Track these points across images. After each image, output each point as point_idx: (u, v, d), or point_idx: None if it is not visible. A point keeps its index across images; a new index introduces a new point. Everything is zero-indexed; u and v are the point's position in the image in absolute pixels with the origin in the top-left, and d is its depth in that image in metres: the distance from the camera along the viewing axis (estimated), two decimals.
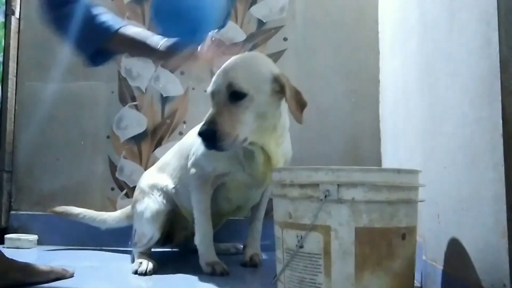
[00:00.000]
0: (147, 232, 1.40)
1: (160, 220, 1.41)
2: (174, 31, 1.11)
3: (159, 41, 1.15)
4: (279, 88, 1.18)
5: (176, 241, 1.57)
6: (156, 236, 1.40)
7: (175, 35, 1.13)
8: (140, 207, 1.44)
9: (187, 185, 1.37)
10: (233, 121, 1.13)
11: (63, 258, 1.54)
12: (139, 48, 1.22)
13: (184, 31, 1.10)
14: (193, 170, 1.33)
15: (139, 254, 1.38)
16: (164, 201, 1.43)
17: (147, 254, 1.39)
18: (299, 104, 1.20)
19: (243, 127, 1.15)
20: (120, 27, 1.17)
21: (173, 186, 1.44)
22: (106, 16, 1.19)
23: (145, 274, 1.28)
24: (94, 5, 1.20)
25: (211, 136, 1.12)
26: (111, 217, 1.66)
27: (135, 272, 1.29)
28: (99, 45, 1.18)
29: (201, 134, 1.13)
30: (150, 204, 1.42)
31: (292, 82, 1.22)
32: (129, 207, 1.63)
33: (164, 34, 1.13)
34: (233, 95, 1.15)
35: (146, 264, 1.30)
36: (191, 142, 1.40)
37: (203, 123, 1.15)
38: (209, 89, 1.20)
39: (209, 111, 1.17)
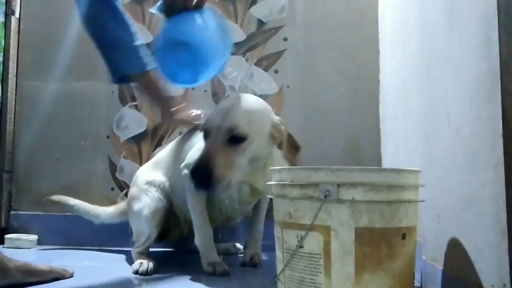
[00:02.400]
0: (145, 230, 1.40)
1: (158, 218, 1.41)
2: (179, 79, 1.22)
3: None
4: (278, 133, 1.17)
5: (170, 238, 1.57)
6: (154, 234, 1.40)
7: (179, 82, 1.26)
8: (137, 205, 1.43)
9: (181, 186, 1.37)
10: (229, 164, 1.10)
11: (63, 258, 1.54)
12: (157, 95, 1.44)
13: (188, 79, 1.21)
14: (185, 171, 1.31)
15: (138, 255, 1.38)
16: (162, 198, 1.42)
17: (146, 254, 1.39)
18: (294, 148, 1.20)
19: (238, 170, 1.13)
20: (152, 68, 1.35)
21: (168, 184, 1.44)
22: (144, 52, 1.36)
23: (146, 274, 1.28)
24: (137, 36, 1.37)
25: (205, 178, 1.08)
26: (105, 212, 1.65)
27: (136, 272, 1.29)
28: (130, 74, 1.35)
29: (195, 174, 1.09)
30: (148, 201, 1.41)
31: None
32: (123, 203, 1.63)
33: (168, 79, 1.25)
34: (233, 138, 1.12)
35: (147, 264, 1.30)
36: (186, 144, 1.41)
37: (197, 161, 1.10)
38: (204, 125, 1.18)
39: (203, 150, 1.12)
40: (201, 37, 1.17)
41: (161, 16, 1.25)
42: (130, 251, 1.55)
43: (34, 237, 1.74)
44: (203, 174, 1.08)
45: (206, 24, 1.19)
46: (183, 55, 1.14)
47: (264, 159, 1.20)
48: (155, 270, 1.30)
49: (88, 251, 1.66)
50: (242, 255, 1.49)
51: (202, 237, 1.32)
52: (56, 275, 1.17)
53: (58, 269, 1.18)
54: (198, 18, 1.17)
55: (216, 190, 1.11)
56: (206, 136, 1.16)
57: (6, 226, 1.81)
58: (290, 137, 1.20)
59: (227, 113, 1.14)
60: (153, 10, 1.26)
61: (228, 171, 1.10)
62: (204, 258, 1.30)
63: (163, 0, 1.20)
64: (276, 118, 1.21)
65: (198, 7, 1.18)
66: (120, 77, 1.36)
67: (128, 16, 1.38)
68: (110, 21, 1.34)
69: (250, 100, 1.21)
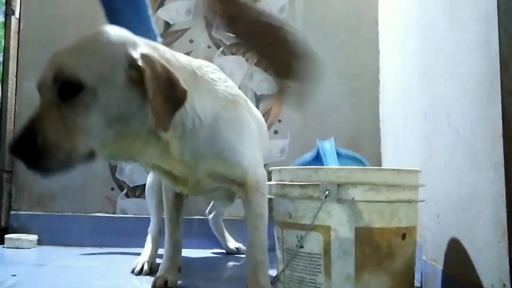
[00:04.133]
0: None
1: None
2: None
3: None
4: (138, 75, 0.79)
5: None
6: None
7: None
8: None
9: None
10: (65, 127, 0.76)
11: (63, 258, 1.54)
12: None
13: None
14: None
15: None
16: None
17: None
18: (170, 101, 0.80)
19: (84, 135, 0.77)
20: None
21: None
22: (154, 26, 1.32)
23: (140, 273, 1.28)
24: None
25: (28, 151, 0.75)
26: None
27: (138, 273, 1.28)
28: None
29: (12, 148, 0.75)
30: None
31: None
32: None
33: None
34: (65, 89, 0.77)
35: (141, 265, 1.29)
36: None
37: (18, 132, 0.77)
38: (36, 82, 0.82)
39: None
40: None
41: None
42: (130, 251, 1.55)
43: (34, 237, 1.74)
44: (25, 144, 0.75)
45: None
46: None
47: (137, 120, 0.82)
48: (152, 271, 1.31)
49: (88, 251, 1.66)
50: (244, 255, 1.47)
51: (169, 245, 1.16)
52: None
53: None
54: None
55: (52, 166, 0.77)
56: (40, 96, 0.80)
57: (6, 226, 1.81)
58: (169, 81, 0.80)
59: (55, 56, 0.80)
60: None
61: (66, 138, 0.76)
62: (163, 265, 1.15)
63: None
64: (137, 50, 0.81)
65: None
66: None
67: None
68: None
69: (93, 34, 0.84)
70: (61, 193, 1.83)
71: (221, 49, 1.84)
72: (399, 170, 0.88)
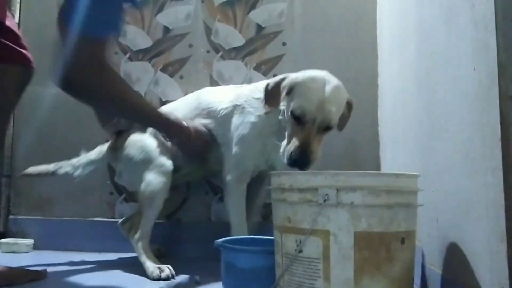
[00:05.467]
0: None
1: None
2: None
3: None
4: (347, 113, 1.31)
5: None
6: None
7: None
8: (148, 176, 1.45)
9: None
10: (318, 147, 1.21)
11: (60, 262, 1.53)
12: None
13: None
14: (232, 175, 1.39)
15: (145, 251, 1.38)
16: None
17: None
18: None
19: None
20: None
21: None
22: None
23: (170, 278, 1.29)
24: None
25: (305, 164, 1.17)
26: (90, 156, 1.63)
27: (159, 278, 1.29)
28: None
29: (297, 161, 1.17)
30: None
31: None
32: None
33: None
34: (326, 128, 1.22)
35: (167, 269, 1.31)
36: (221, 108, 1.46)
37: (302, 152, 1.17)
38: (301, 113, 1.19)
39: (299, 137, 1.19)
40: None
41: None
42: (127, 257, 1.55)
43: (30, 241, 1.73)
44: (306, 160, 1.17)
45: None
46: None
47: None
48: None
49: (86, 256, 1.65)
50: None
51: (239, 233, 1.36)
52: (31, 277, 1.23)
53: (32, 272, 1.25)
54: None
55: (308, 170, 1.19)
56: (301, 121, 1.20)
57: (4, 230, 1.81)
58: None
59: (322, 104, 1.20)
60: None
61: (319, 153, 1.20)
62: None
63: None
64: (349, 97, 1.31)
65: None
66: None
67: None
68: None
69: (337, 86, 1.25)
70: (59, 198, 1.83)
71: (220, 53, 1.84)
72: (398, 174, 0.88)
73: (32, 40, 1.88)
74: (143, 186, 1.43)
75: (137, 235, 1.40)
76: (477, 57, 0.79)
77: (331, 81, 1.24)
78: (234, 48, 1.83)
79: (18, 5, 1.90)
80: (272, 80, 1.32)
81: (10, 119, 1.24)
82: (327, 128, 1.22)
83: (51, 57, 1.10)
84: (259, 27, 1.83)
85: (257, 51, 1.82)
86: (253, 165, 1.40)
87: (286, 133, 1.23)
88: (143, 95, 1.86)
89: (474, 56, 0.80)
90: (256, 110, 1.38)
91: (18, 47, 1.20)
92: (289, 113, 1.22)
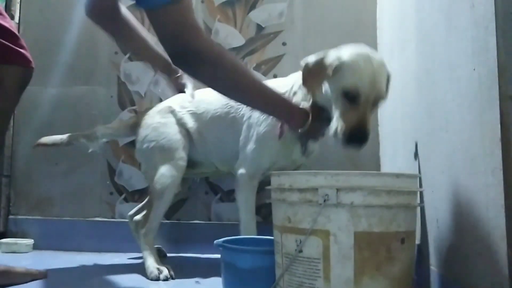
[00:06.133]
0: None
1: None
2: None
3: None
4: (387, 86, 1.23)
5: None
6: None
7: None
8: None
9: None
10: (371, 122, 1.16)
11: (59, 262, 1.53)
12: None
13: None
14: (245, 169, 1.37)
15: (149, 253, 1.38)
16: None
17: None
18: None
19: None
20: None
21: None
22: None
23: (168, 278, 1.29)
24: None
25: (364, 140, 1.12)
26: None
27: (157, 279, 1.29)
28: None
29: (355, 138, 1.12)
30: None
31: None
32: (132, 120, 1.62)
33: None
34: (376, 104, 1.17)
35: (166, 270, 1.31)
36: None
37: (360, 128, 1.12)
38: (355, 91, 1.13)
39: (354, 115, 1.12)
40: None
41: None
42: (126, 257, 1.55)
43: (30, 241, 1.73)
44: (362, 138, 1.12)
45: None
46: None
47: None
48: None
49: (85, 256, 1.66)
50: None
51: (249, 231, 1.36)
52: (32, 277, 1.24)
53: (33, 271, 1.26)
54: None
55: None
56: (351, 100, 1.13)
57: (4, 230, 1.81)
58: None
59: (374, 81, 1.14)
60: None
61: (370, 129, 1.15)
62: None
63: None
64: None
65: None
66: None
67: None
68: None
69: (383, 62, 1.20)
70: (59, 198, 1.83)
71: None
72: (398, 174, 0.88)
73: (32, 40, 1.89)
74: (155, 177, 1.41)
75: (143, 230, 1.41)
76: (477, 57, 0.79)
77: (375, 55, 1.19)
78: (234, 48, 1.83)
79: (18, 5, 1.90)
80: (311, 60, 1.21)
81: (10, 119, 1.25)
82: (377, 103, 1.17)
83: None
84: (259, 27, 1.83)
85: (257, 51, 1.82)
86: (270, 162, 1.37)
87: (335, 114, 1.15)
88: (143, 95, 1.86)
89: (474, 56, 0.80)
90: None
91: (16, 47, 1.20)
92: (339, 93, 1.14)
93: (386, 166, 1.65)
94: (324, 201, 0.83)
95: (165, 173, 1.41)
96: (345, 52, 1.18)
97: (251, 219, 1.38)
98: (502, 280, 0.70)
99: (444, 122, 0.97)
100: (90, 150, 1.57)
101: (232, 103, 1.45)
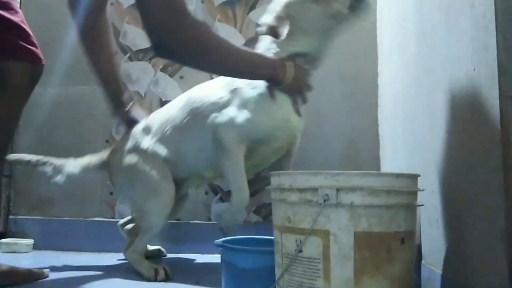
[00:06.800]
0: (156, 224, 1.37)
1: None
2: None
3: None
4: None
5: None
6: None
7: None
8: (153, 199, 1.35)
9: (197, 148, 1.35)
10: None
11: (60, 262, 1.53)
12: None
13: None
14: (235, 132, 1.27)
15: (139, 258, 1.37)
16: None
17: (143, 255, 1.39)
18: None
19: None
20: None
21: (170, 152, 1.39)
22: None
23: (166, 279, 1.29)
24: None
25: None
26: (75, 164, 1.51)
27: (155, 280, 1.28)
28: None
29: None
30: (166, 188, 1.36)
31: None
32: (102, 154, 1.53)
33: None
34: None
35: (163, 271, 1.30)
36: (210, 94, 1.36)
37: None
38: None
39: None
40: None
41: None
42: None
43: (30, 241, 1.73)
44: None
45: None
46: None
47: None
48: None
49: (85, 256, 1.66)
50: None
51: (243, 193, 1.29)
52: (35, 277, 1.25)
53: (36, 271, 1.26)
54: None
55: None
56: None
57: (4, 230, 1.81)
58: None
59: None
60: None
61: None
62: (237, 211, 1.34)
63: None
64: None
65: None
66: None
67: None
68: None
69: None
70: (59, 198, 1.83)
71: None
72: (398, 174, 0.88)
73: None
74: (142, 213, 1.37)
75: (130, 249, 1.38)
76: (477, 57, 0.79)
77: None
78: None
79: (18, 4, 1.90)
80: (265, 22, 1.31)
81: (19, 118, 1.22)
82: None
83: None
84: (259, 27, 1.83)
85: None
86: (268, 126, 1.29)
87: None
88: (143, 95, 1.86)
89: (474, 56, 0.80)
90: (257, 83, 1.28)
91: (27, 44, 1.19)
92: None
93: (386, 166, 1.65)
94: (324, 201, 0.83)
95: (153, 210, 1.35)
96: None
97: (244, 177, 1.29)
98: (502, 280, 0.70)
99: (444, 122, 0.97)
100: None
101: (185, 101, 1.41)
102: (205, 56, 1.10)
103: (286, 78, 1.23)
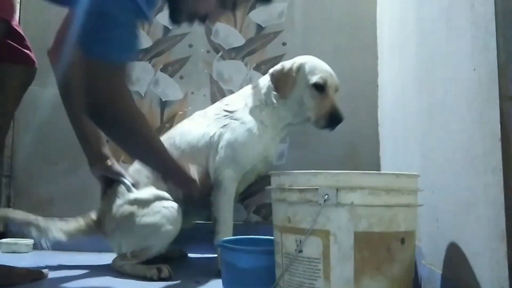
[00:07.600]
0: (156, 246, 1.37)
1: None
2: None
3: None
4: None
5: None
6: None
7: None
8: (149, 218, 1.36)
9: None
10: None
11: (59, 262, 1.53)
12: None
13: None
14: (231, 170, 1.40)
15: (135, 265, 1.36)
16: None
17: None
18: None
19: None
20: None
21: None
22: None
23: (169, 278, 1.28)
24: None
25: (341, 119, 1.41)
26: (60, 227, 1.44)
27: (159, 279, 1.28)
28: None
29: (335, 119, 1.39)
30: (167, 213, 1.36)
31: None
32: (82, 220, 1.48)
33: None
34: (337, 91, 1.46)
35: (166, 268, 1.30)
36: (203, 133, 1.47)
37: (335, 112, 1.39)
38: (323, 82, 1.40)
39: (326, 101, 1.40)
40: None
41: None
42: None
43: (30, 241, 1.73)
44: (339, 118, 1.40)
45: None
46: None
47: None
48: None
49: (85, 256, 1.65)
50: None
51: (226, 233, 1.37)
52: (34, 276, 1.25)
53: (35, 272, 1.26)
54: None
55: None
56: (320, 91, 1.40)
57: (4, 230, 1.80)
58: None
59: (332, 72, 1.44)
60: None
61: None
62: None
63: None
64: None
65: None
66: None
67: None
68: None
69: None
70: (59, 198, 1.82)
71: (220, 53, 1.84)
72: (398, 174, 0.88)
73: (32, 40, 1.89)
74: (141, 246, 1.36)
75: (119, 264, 1.39)
76: (477, 57, 0.79)
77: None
78: (234, 48, 1.83)
79: (18, 5, 1.90)
80: (273, 71, 1.45)
81: (12, 119, 1.24)
82: (337, 91, 1.45)
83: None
84: (259, 27, 1.83)
85: (257, 51, 1.82)
86: (251, 164, 1.44)
87: (309, 106, 1.41)
88: (143, 95, 1.86)
89: (474, 56, 0.80)
90: (246, 118, 1.43)
91: (21, 47, 1.20)
92: (310, 86, 1.39)
93: (386, 166, 1.65)
94: (324, 201, 0.83)
95: (152, 247, 1.35)
96: (297, 58, 1.44)
97: (231, 219, 1.41)
98: (502, 280, 0.70)
99: (444, 122, 0.97)
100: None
101: (187, 150, 1.47)
102: (130, 136, 1.10)
103: (182, 187, 1.33)
